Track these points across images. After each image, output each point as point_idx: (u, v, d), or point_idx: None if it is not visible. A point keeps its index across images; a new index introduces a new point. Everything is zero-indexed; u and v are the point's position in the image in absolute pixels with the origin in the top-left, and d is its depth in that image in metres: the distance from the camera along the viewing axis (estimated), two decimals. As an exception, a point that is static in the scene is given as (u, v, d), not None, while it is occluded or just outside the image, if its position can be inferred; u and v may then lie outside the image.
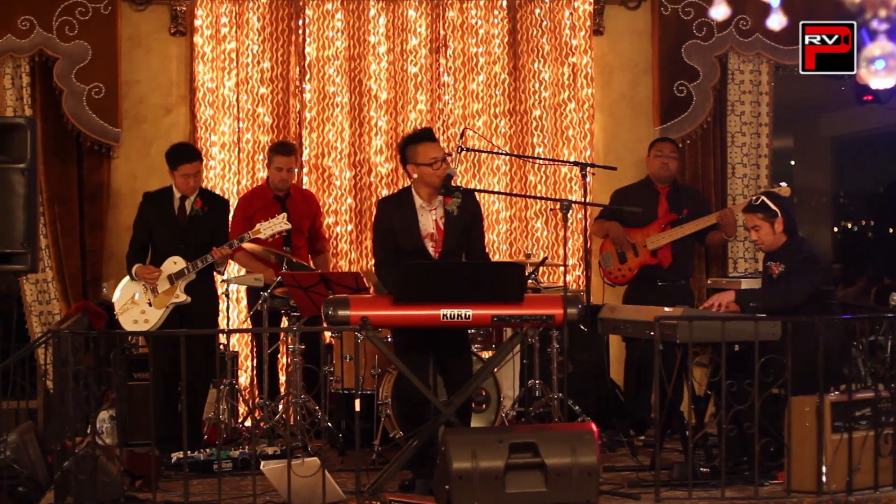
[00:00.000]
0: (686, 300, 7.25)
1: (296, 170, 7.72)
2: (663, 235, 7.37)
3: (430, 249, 5.96)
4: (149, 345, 6.53)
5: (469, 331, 6.40)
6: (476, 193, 6.31)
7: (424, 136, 6.04)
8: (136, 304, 6.86)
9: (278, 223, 6.94)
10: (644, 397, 7.34)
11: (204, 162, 8.00)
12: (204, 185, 7.41)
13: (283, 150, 7.52)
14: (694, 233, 7.41)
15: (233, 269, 7.74)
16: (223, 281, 7.06)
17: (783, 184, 7.78)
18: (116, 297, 6.98)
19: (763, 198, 6.18)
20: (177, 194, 6.97)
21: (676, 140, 8.19)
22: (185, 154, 6.99)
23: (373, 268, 8.10)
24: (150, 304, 6.85)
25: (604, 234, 7.55)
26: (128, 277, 6.97)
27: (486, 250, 6.42)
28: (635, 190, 7.60)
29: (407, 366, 5.84)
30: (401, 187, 8.29)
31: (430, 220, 5.98)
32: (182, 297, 6.84)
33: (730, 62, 8.37)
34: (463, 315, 5.62)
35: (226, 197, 7.55)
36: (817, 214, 13.62)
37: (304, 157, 8.21)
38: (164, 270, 6.85)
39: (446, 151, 6.19)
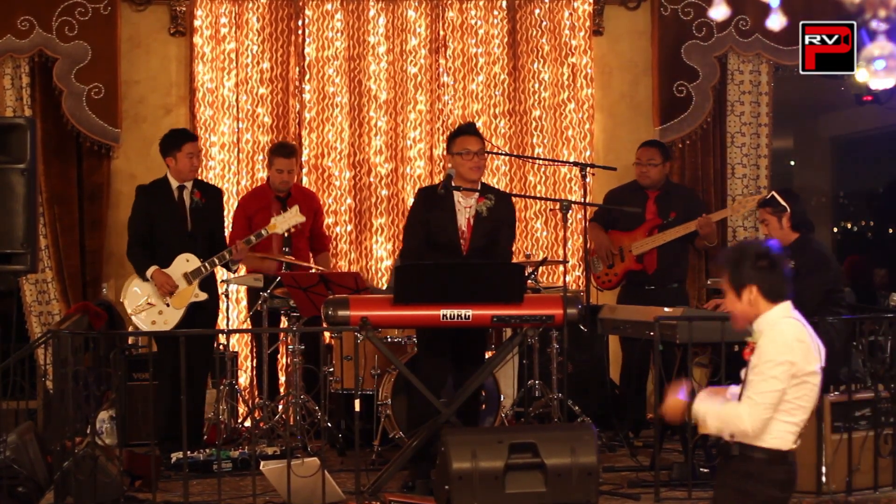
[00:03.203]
0: (681, 304, 7.15)
1: (296, 171, 7.71)
2: (647, 241, 7.22)
3: (462, 245, 6.01)
4: (150, 345, 6.47)
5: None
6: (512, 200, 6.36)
7: (464, 129, 6.20)
8: (152, 306, 6.72)
9: (292, 216, 6.90)
10: (641, 399, 7.32)
11: (203, 162, 8.02)
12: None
13: (284, 151, 7.50)
14: (683, 237, 7.23)
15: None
16: (223, 281, 7.03)
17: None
18: (128, 297, 6.78)
19: (774, 193, 6.27)
20: (174, 185, 6.85)
21: (675, 141, 8.17)
22: (186, 133, 6.99)
23: (369, 268, 8.14)
24: (168, 305, 6.73)
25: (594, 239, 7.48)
26: (137, 278, 6.78)
27: (510, 255, 6.35)
28: (626, 191, 7.46)
29: (427, 367, 5.87)
30: (399, 188, 8.33)
31: (464, 216, 6.06)
32: (202, 296, 6.75)
33: (729, 62, 8.36)
34: (463, 315, 5.63)
35: (225, 196, 7.51)
36: (817, 215, 13.58)
37: (304, 158, 8.20)
38: (177, 270, 6.74)
39: (485, 148, 6.23)
